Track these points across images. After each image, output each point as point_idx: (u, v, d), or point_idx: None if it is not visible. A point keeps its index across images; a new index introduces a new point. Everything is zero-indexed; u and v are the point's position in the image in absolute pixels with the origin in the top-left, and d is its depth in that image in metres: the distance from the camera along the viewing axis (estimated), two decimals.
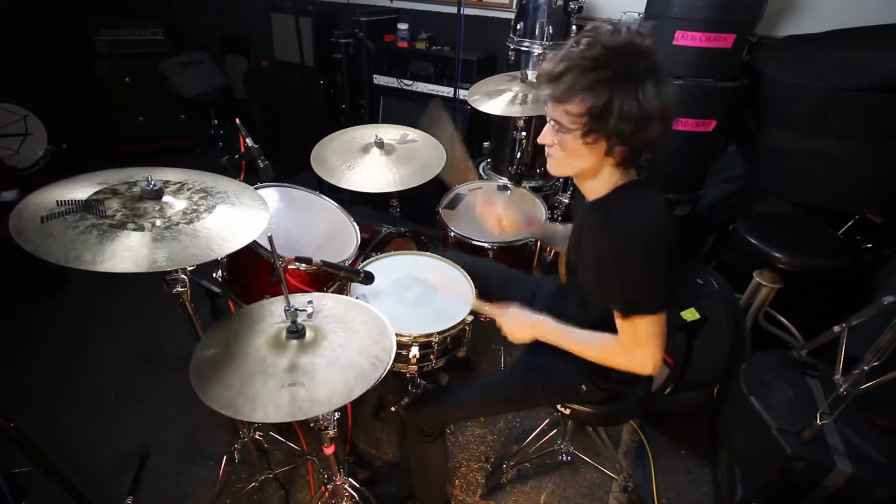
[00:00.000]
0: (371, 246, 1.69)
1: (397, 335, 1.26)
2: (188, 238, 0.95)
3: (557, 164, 0.99)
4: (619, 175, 0.98)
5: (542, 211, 1.93)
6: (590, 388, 1.20)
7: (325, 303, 1.12)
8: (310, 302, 1.03)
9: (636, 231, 0.91)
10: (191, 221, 1.00)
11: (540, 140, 0.99)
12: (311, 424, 1.12)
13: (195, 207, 1.04)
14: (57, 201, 0.94)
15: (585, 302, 1.09)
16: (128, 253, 0.88)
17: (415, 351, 1.29)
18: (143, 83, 3.56)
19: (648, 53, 0.86)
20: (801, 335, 1.87)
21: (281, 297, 1.08)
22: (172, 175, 1.13)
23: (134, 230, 0.93)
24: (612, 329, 1.02)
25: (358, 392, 0.89)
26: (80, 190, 1.00)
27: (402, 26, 2.93)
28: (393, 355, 0.99)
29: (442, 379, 1.85)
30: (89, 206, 0.95)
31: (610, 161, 0.94)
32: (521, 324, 1.12)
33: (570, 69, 0.86)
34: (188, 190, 1.09)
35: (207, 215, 1.02)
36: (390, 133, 1.80)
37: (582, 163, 0.95)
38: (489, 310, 1.20)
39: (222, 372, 0.91)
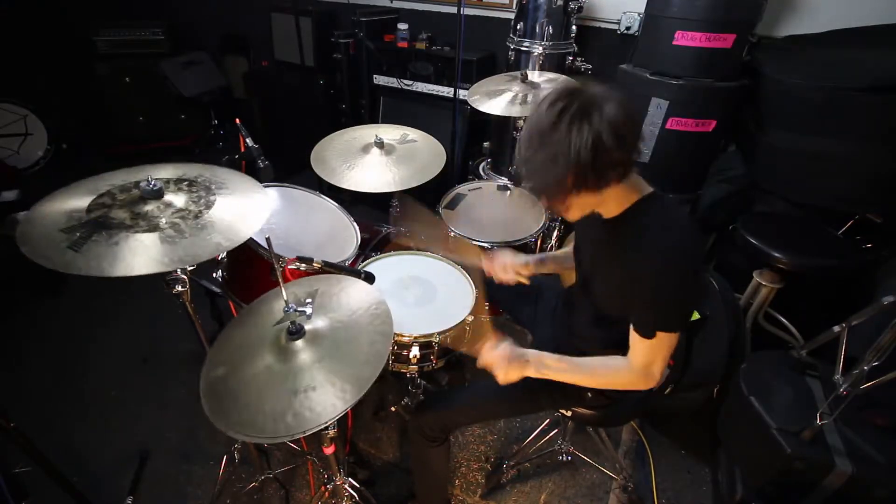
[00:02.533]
0: (371, 246, 1.69)
1: (398, 335, 1.27)
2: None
3: (577, 212, 0.98)
4: (631, 189, 0.96)
5: (542, 211, 1.93)
6: (595, 394, 1.19)
7: (321, 288, 1.11)
8: (309, 301, 1.03)
9: (673, 252, 0.90)
10: (209, 206, 1.03)
11: (546, 208, 0.98)
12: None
13: (200, 196, 1.07)
14: (60, 230, 0.93)
15: (599, 318, 1.09)
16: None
17: (415, 351, 1.29)
18: (143, 83, 3.56)
19: (575, 90, 0.84)
20: (801, 335, 1.87)
21: (275, 291, 1.08)
22: (164, 172, 1.14)
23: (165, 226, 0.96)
24: (622, 343, 1.02)
25: (370, 377, 0.89)
26: (82, 199, 1.00)
27: (402, 26, 2.93)
28: (392, 334, 0.99)
29: (442, 379, 1.85)
30: (103, 222, 0.95)
31: (613, 183, 0.90)
32: (515, 365, 1.04)
33: (527, 167, 0.87)
34: (184, 183, 1.10)
35: (216, 201, 1.06)
36: (390, 133, 1.80)
37: (593, 201, 0.94)
38: (482, 337, 1.10)
39: (235, 392, 0.90)
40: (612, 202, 0.97)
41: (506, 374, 1.04)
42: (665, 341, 0.95)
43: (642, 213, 0.96)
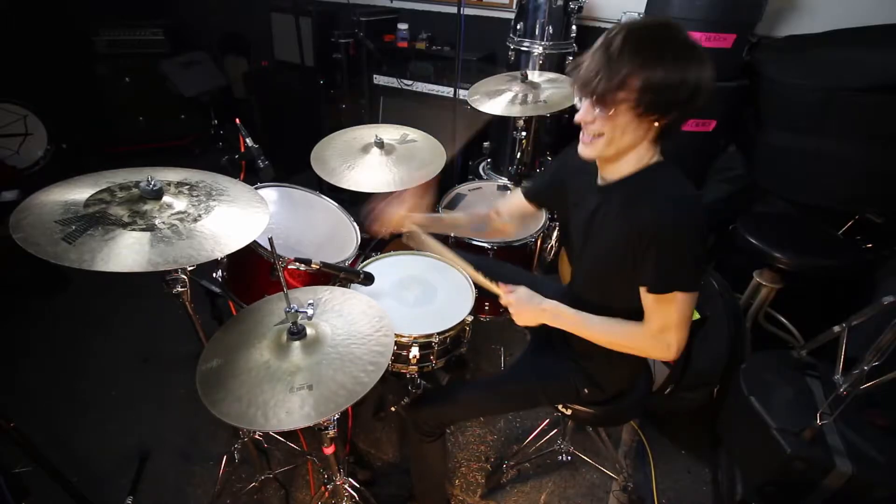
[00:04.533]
0: (371, 246, 1.69)
1: (397, 336, 1.27)
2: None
3: (601, 144, 0.93)
4: (650, 152, 0.96)
5: (542, 211, 1.93)
6: (592, 390, 1.19)
7: (322, 296, 1.12)
8: (311, 303, 1.03)
9: (682, 206, 0.90)
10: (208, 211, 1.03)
11: (579, 118, 0.94)
12: (312, 424, 1.12)
13: (200, 200, 1.06)
14: (55, 220, 0.92)
15: (599, 301, 1.08)
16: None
17: (415, 351, 1.29)
18: (143, 83, 3.56)
19: (683, 30, 0.87)
20: (801, 335, 1.87)
21: (278, 294, 1.08)
22: (173, 175, 1.13)
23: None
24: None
25: (368, 384, 0.89)
26: (80, 193, 1.00)
27: (402, 26, 2.93)
28: (392, 344, 1.00)
29: (442, 379, 1.85)
30: (101, 218, 0.95)
31: (651, 135, 0.92)
32: (530, 307, 1.05)
33: (626, 42, 0.84)
34: (185, 187, 1.10)
35: (215, 208, 1.06)
36: (390, 133, 1.80)
37: (626, 139, 0.91)
38: (495, 288, 1.12)
39: (229, 382, 0.91)
40: (637, 155, 0.95)
41: (521, 316, 1.06)
42: (680, 302, 0.92)
43: (652, 176, 0.96)
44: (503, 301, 1.09)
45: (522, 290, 1.08)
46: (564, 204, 1.15)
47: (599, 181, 1.03)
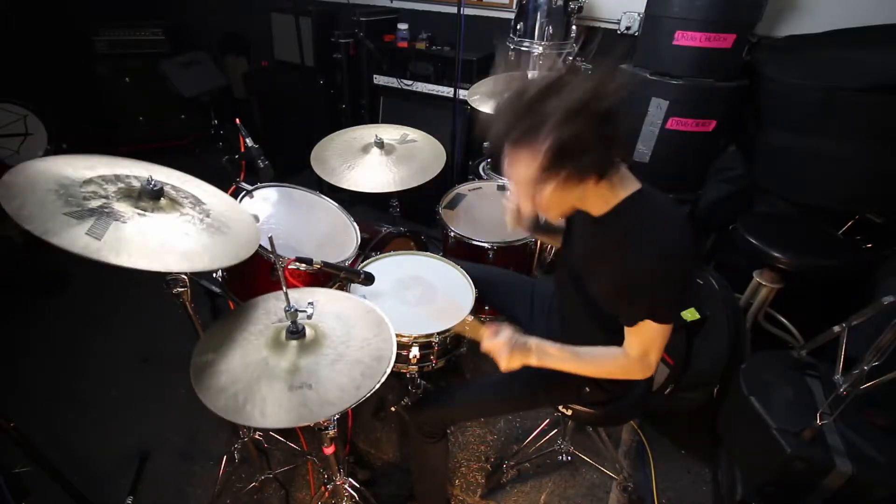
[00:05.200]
0: (371, 246, 1.69)
1: (397, 335, 1.27)
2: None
3: (553, 212, 0.98)
4: (616, 187, 0.94)
5: None
6: (593, 390, 1.19)
7: (320, 298, 1.12)
8: (310, 303, 1.03)
9: (669, 251, 0.90)
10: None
11: (523, 210, 1.00)
12: (311, 424, 1.12)
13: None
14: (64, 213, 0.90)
15: (593, 313, 1.08)
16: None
17: (415, 351, 1.29)
18: (143, 83, 3.56)
19: (560, 80, 0.83)
20: (801, 335, 1.87)
21: (275, 294, 1.08)
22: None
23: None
24: (613, 334, 1.02)
25: (365, 391, 0.90)
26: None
27: (402, 26, 2.93)
28: (394, 348, 1.00)
29: (441, 380, 1.85)
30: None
31: (593, 179, 0.88)
32: (516, 350, 1.02)
33: (507, 127, 0.85)
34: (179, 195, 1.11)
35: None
36: (390, 133, 1.81)
37: (572, 196, 0.92)
38: (479, 332, 1.07)
39: (225, 377, 0.91)
40: (596, 200, 0.95)
41: (508, 362, 1.02)
42: (658, 331, 0.95)
43: (631, 212, 0.94)
44: (485, 347, 1.04)
45: (506, 332, 1.04)
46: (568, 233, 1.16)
47: (588, 215, 1.01)
